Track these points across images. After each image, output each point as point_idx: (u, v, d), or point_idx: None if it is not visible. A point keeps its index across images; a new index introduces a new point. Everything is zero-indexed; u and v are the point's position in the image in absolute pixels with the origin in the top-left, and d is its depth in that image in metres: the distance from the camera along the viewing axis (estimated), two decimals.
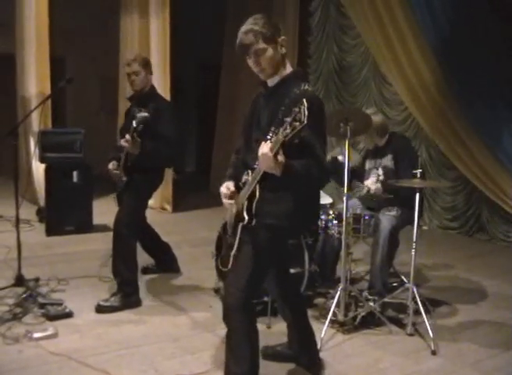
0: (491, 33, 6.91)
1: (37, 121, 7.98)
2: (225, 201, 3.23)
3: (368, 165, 5.08)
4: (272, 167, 2.80)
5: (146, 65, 4.92)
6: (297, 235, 3.66)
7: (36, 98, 8.14)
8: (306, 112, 2.58)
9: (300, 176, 2.90)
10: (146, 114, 4.57)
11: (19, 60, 8.86)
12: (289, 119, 2.64)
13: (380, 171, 4.87)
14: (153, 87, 5.08)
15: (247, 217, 2.98)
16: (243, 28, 3.02)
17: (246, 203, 3.00)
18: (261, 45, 2.99)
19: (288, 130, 2.64)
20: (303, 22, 10.14)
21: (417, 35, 7.40)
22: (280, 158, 2.78)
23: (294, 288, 3.76)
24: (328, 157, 4.90)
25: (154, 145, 4.65)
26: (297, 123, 2.61)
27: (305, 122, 2.59)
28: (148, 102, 4.82)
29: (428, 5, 7.24)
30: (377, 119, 4.90)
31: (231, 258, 3.15)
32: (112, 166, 4.97)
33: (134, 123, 4.54)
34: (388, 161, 4.90)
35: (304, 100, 2.62)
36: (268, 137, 2.85)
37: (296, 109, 2.61)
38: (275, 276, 3.45)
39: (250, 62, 3.08)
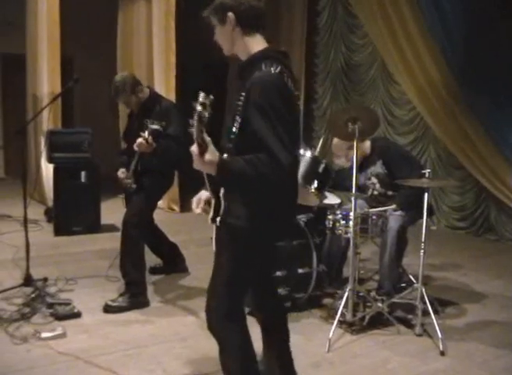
0: (499, 32, 6.88)
1: (47, 121, 8.00)
2: (195, 209, 3.06)
3: (361, 179, 4.99)
4: (201, 166, 2.52)
5: (132, 89, 4.85)
6: (269, 239, 2.93)
7: (47, 98, 8.17)
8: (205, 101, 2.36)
9: (240, 174, 2.52)
10: (158, 127, 4.54)
11: (30, 60, 8.91)
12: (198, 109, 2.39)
13: (374, 179, 4.87)
14: (152, 92, 5.06)
15: (211, 214, 2.80)
16: None
17: (213, 201, 2.81)
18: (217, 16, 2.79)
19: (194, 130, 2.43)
20: (310, 21, 10.14)
21: (425, 34, 7.39)
22: (208, 156, 2.46)
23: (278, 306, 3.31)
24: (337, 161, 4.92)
25: (167, 144, 4.64)
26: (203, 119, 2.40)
27: (206, 116, 2.37)
28: (152, 107, 4.82)
29: (436, 4, 7.22)
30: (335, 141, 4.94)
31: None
32: (121, 173, 4.93)
33: (146, 134, 4.53)
34: (379, 168, 4.89)
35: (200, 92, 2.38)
36: (234, 127, 2.63)
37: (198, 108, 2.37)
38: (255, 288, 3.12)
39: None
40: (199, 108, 2.38)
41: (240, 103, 2.62)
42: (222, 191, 2.74)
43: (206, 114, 2.40)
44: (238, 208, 2.71)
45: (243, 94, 2.62)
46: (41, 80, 8.51)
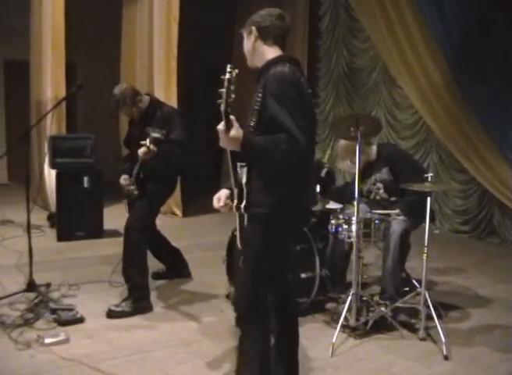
0: (501, 35, 6.89)
1: (50, 127, 8.02)
2: (217, 206, 3.21)
3: (367, 185, 4.99)
4: (227, 143, 2.75)
5: (132, 101, 4.85)
6: (292, 226, 3.11)
7: (51, 103, 8.19)
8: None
9: (262, 150, 2.76)
10: (159, 135, 4.55)
11: (35, 66, 8.93)
12: (224, 90, 2.68)
13: (380, 185, 4.87)
14: (152, 99, 5.06)
15: (235, 202, 2.95)
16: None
17: (236, 190, 2.97)
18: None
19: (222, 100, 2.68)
20: (312, 25, 10.16)
21: (427, 38, 7.40)
22: (233, 132, 2.69)
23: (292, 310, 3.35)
24: (340, 165, 4.91)
25: (169, 148, 4.65)
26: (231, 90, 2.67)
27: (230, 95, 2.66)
28: (153, 113, 4.83)
29: (438, 8, 7.23)
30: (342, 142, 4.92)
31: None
32: (123, 181, 4.92)
33: (148, 142, 4.53)
34: (385, 174, 4.88)
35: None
36: (251, 122, 2.94)
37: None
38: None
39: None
40: (228, 76, 2.67)
41: (258, 99, 2.91)
42: (244, 179, 2.92)
43: (232, 86, 2.67)
44: (261, 197, 2.90)
45: (260, 90, 2.91)
46: (45, 86, 8.52)
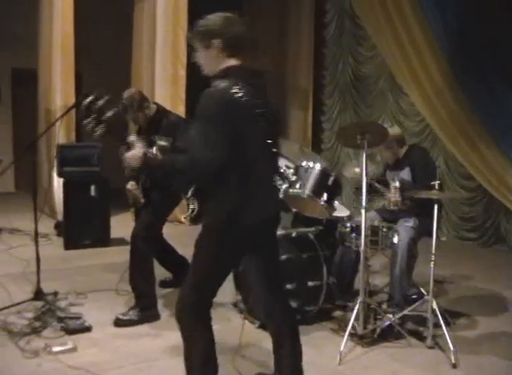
0: (506, 40, 6.88)
1: (60, 135, 8.06)
2: None
3: (387, 176, 5.06)
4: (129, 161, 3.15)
5: (140, 106, 4.86)
6: (240, 231, 3.02)
7: (61, 112, 8.21)
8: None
9: (162, 168, 3.20)
10: (166, 143, 4.55)
11: (43, 74, 8.98)
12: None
13: (397, 183, 4.85)
14: (159, 108, 5.06)
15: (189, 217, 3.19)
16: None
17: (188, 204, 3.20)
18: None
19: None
20: (318, 34, 10.19)
21: (433, 46, 7.41)
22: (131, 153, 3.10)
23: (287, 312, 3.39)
24: (347, 173, 4.92)
25: (174, 158, 4.65)
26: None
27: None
28: (160, 122, 4.84)
29: (442, 16, 7.24)
30: (396, 130, 4.94)
31: None
32: (130, 186, 4.96)
33: (154, 150, 4.54)
34: (405, 174, 4.89)
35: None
36: None
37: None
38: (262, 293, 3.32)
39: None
40: (84, 104, 3.07)
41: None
42: (189, 193, 3.11)
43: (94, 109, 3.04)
44: (207, 206, 3.05)
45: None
46: (55, 95, 8.58)
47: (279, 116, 3.52)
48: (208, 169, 2.84)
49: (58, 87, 8.55)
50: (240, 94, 2.89)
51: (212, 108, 2.84)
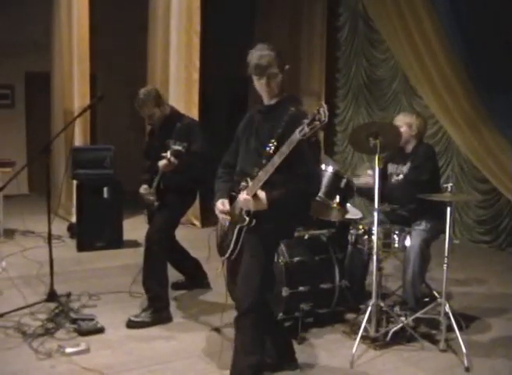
0: None
1: (77, 137, 8.10)
2: (220, 215, 3.57)
3: (389, 169, 5.02)
4: (254, 206, 3.26)
5: (156, 102, 4.88)
6: (286, 236, 3.83)
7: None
8: (327, 113, 2.93)
9: (286, 199, 3.30)
10: (180, 148, 4.59)
11: (58, 78, 9.03)
12: (306, 121, 2.97)
13: (400, 177, 4.85)
14: (173, 110, 5.08)
15: (247, 219, 3.34)
16: (259, 53, 3.37)
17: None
18: (275, 70, 3.37)
19: (306, 130, 2.98)
20: (331, 37, 10.16)
21: (447, 48, 7.36)
22: (260, 195, 3.24)
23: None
24: (356, 181, 4.91)
25: (190, 161, 4.68)
26: (317, 123, 2.95)
27: (326, 120, 2.93)
28: (173, 125, 4.85)
29: (457, 18, 7.19)
30: (421, 121, 4.97)
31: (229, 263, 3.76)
32: (143, 190, 4.98)
33: (168, 154, 4.57)
34: (407, 169, 4.87)
35: (323, 103, 3.01)
36: (267, 148, 3.28)
37: (315, 111, 2.95)
38: None
39: (260, 82, 3.41)
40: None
41: (279, 130, 3.28)
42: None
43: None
44: (270, 214, 3.31)
45: (283, 123, 3.29)
46: (72, 97, 8.62)
47: None
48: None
49: (75, 90, 8.59)
50: (253, 111, 3.64)
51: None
